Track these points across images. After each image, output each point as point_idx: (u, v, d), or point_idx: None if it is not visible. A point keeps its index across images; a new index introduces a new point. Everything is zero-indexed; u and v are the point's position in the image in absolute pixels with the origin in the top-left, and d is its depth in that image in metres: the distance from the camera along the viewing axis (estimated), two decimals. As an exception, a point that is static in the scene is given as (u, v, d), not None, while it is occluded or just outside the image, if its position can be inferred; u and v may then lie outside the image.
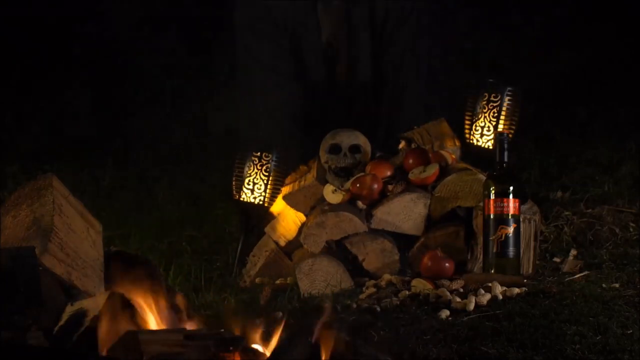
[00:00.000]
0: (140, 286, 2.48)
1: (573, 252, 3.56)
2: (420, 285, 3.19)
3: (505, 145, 3.34)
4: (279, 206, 3.80)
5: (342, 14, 4.22)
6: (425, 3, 4.31)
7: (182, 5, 5.69)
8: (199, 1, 5.57)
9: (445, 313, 2.90)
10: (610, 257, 3.46)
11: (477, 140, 3.73)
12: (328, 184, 3.61)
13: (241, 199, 3.82)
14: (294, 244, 3.66)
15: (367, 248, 3.48)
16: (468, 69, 5.02)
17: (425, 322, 2.83)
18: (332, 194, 3.57)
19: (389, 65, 4.27)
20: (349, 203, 3.56)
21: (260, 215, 3.82)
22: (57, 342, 2.33)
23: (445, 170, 3.56)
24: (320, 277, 3.43)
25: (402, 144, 3.78)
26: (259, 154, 3.80)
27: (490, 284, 3.06)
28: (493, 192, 3.27)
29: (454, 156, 3.68)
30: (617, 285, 3.13)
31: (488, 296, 3.00)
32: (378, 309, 3.01)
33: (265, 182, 3.78)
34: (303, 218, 3.68)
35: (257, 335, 2.42)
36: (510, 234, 3.25)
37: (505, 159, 3.33)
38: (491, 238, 3.26)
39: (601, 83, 5.00)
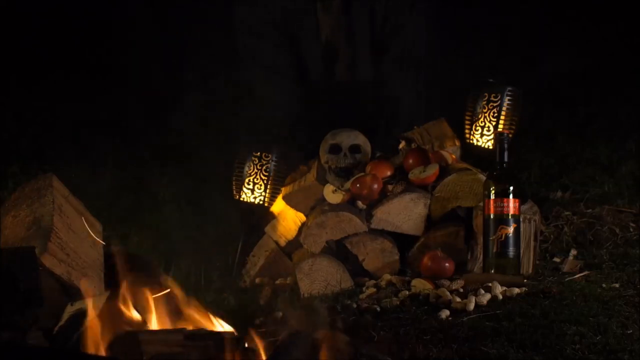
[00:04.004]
0: (140, 286, 2.48)
1: (573, 252, 3.56)
2: (420, 285, 3.19)
3: (505, 145, 3.34)
4: (279, 206, 3.80)
5: (342, 14, 4.23)
6: (425, 3, 4.31)
7: (183, 6, 5.69)
8: (199, 1, 5.57)
9: (445, 313, 2.90)
10: (610, 257, 3.46)
11: (477, 140, 3.73)
12: (328, 184, 3.61)
13: (241, 199, 3.83)
14: (294, 244, 3.66)
15: (367, 248, 3.48)
16: (468, 69, 5.02)
17: (425, 322, 2.83)
18: (332, 194, 3.57)
19: (388, 65, 4.27)
20: (349, 203, 3.56)
21: (260, 215, 3.82)
22: (57, 342, 2.34)
23: (445, 170, 3.56)
24: (320, 277, 3.43)
25: (402, 144, 3.78)
26: (259, 154, 3.81)
27: (490, 284, 3.06)
28: (493, 192, 3.27)
29: (454, 156, 3.68)
30: (617, 285, 3.13)
31: (488, 296, 3.00)
32: (378, 309, 3.01)
33: (265, 182, 3.78)
34: (303, 218, 3.68)
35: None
36: (510, 234, 3.25)
37: (505, 159, 3.33)
38: (491, 238, 3.26)
39: (601, 83, 5.00)
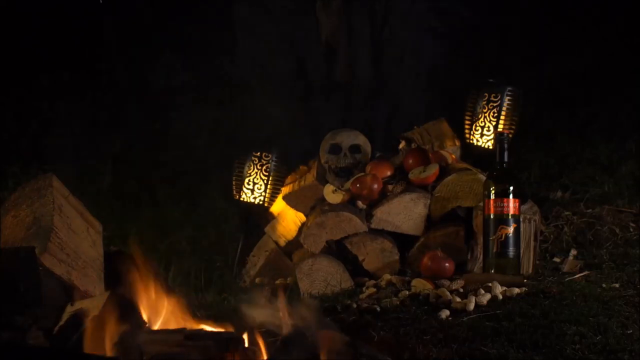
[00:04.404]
0: (140, 286, 2.48)
1: (573, 252, 3.56)
2: (420, 285, 3.19)
3: (505, 145, 3.34)
4: (279, 206, 3.80)
5: (342, 14, 4.23)
6: (424, 3, 4.31)
7: (182, 5, 5.69)
8: (199, 1, 5.57)
9: (445, 313, 2.90)
10: (610, 257, 3.47)
11: (477, 140, 3.73)
12: (328, 184, 3.61)
13: (241, 199, 3.83)
14: (294, 244, 3.66)
15: (367, 248, 3.48)
16: (468, 69, 5.02)
17: (425, 322, 2.83)
18: (332, 194, 3.57)
19: (388, 65, 4.27)
20: (349, 203, 3.56)
21: (260, 215, 3.82)
22: (57, 342, 2.34)
23: (445, 170, 3.56)
24: (320, 277, 3.43)
25: (402, 144, 3.78)
26: (259, 154, 3.81)
27: (490, 284, 3.06)
28: (493, 192, 3.27)
29: (454, 156, 3.68)
30: (617, 285, 3.13)
31: (488, 296, 3.00)
32: (378, 309, 3.01)
33: (265, 182, 3.78)
34: (303, 218, 3.68)
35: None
36: (510, 234, 3.25)
37: (505, 159, 3.33)
38: (491, 238, 3.26)
39: (601, 83, 5.00)
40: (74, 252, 2.65)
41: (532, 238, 3.38)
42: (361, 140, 3.72)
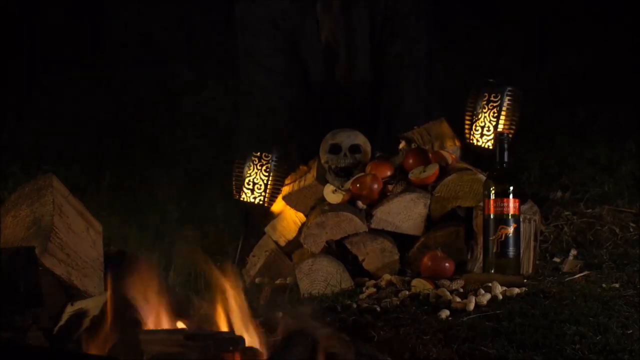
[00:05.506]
0: (141, 286, 2.48)
1: (573, 252, 3.56)
2: (420, 285, 3.19)
3: (505, 145, 3.33)
4: (279, 206, 3.80)
5: (342, 14, 4.22)
6: (425, 3, 4.31)
7: (183, 5, 5.70)
8: (199, 1, 5.58)
9: (445, 313, 2.89)
10: (610, 257, 3.46)
11: (477, 140, 3.73)
12: (328, 184, 3.61)
13: (241, 199, 3.82)
14: (294, 244, 3.66)
15: (367, 248, 3.48)
16: (468, 69, 5.02)
17: (425, 322, 2.83)
18: (332, 194, 3.57)
19: (388, 65, 4.26)
20: (349, 203, 3.56)
21: (260, 215, 3.82)
22: (57, 342, 2.34)
23: (445, 170, 3.56)
24: (320, 277, 3.43)
25: (402, 144, 3.78)
26: (259, 154, 3.80)
27: (490, 284, 3.06)
28: (493, 192, 3.27)
29: (454, 156, 3.68)
30: (617, 285, 3.13)
31: (488, 296, 3.00)
32: (378, 309, 3.01)
33: (265, 182, 3.78)
34: (303, 218, 3.68)
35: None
36: (510, 234, 3.25)
37: (505, 159, 3.32)
38: (491, 238, 3.26)
39: (601, 83, 5.00)
40: (74, 252, 2.65)
41: (532, 238, 3.38)
42: (361, 140, 3.72)
